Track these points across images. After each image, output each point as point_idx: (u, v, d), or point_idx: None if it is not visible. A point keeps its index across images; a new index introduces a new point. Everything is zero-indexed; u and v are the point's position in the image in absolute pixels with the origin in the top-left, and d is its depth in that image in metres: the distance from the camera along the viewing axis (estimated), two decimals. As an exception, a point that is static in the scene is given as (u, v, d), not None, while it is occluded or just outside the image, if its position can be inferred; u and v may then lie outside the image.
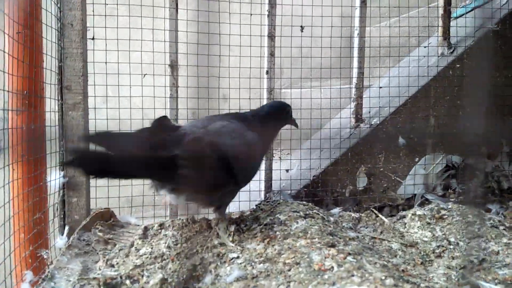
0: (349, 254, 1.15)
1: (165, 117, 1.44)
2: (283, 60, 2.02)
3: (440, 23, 1.97)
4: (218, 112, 1.92)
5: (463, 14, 2.20)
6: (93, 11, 1.74)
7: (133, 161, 1.20)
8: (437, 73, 1.86)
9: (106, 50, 1.76)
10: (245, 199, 1.89)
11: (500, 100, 1.88)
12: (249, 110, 1.55)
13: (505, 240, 1.32)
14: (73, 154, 1.23)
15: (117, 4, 1.77)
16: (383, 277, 0.98)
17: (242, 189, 1.73)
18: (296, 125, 1.63)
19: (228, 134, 1.36)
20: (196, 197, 1.43)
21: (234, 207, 1.87)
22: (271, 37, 1.97)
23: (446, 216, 1.50)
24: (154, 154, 1.24)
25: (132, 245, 1.45)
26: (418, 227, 1.50)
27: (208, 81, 1.97)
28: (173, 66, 1.92)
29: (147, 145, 1.27)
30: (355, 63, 1.96)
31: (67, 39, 1.61)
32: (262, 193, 1.94)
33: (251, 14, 1.92)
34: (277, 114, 1.53)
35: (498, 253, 1.26)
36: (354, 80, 1.95)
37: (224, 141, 1.33)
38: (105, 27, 1.77)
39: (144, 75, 1.77)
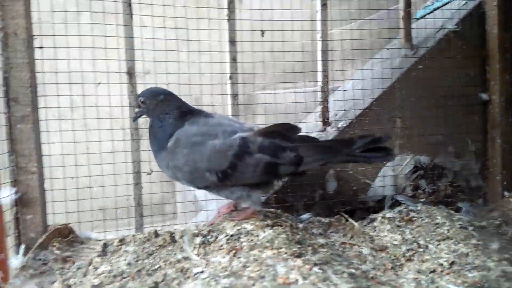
0: (315, 264, 1.10)
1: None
2: (248, 65, 1.97)
3: (402, 25, 1.97)
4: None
5: (424, 16, 2.21)
6: (39, 18, 1.64)
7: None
8: (401, 75, 1.85)
9: (56, 59, 1.66)
10: (214, 208, 1.82)
11: (464, 100, 1.89)
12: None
13: (474, 241, 1.30)
14: None
15: (65, 11, 1.68)
16: (350, 288, 0.93)
17: (211, 198, 1.67)
18: None
19: None
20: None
21: (202, 217, 1.80)
22: (232, 42, 1.91)
23: (415, 218, 1.47)
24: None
25: (90, 263, 1.36)
26: (388, 230, 1.46)
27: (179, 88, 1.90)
28: (131, 73, 1.83)
29: None
30: (319, 67, 1.93)
31: (11, 49, 1.51)
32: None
33: (209, 19, 1.86)
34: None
35: (467, 255, 1.23)
36: (319, 84, 1.92)
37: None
38: (54, 35, 1.66)
39: (99, 83, 1.67)
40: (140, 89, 1.82)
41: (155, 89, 1.45)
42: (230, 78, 1.93)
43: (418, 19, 2.24)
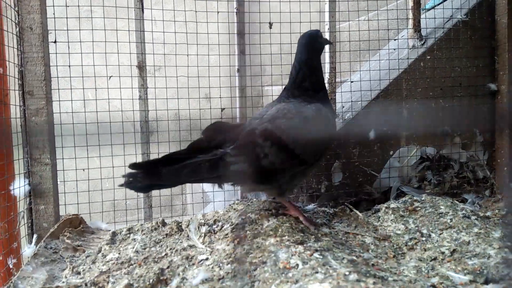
0: (316, 250, 1.13)
1: (217, 122, 1.43)
2: (256, 57, 1.99)
3: (411, 16, 1.96)
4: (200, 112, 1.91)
5: (434, 6, 2.20)
6: (53, 13, 1.69)
7: (183, 171, 1.22)
8: (408, 66, 1.84)
9: (69, 53, 1.71)
10: (220, 199, 1.86)
11: (472, 90, 1.87)
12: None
13: (476, 229, 1.31)
14: (126, 178, 1.23)
15: (78, 6, 1.73)
16: (347, 273, 0.96)
17: (218, 189, 1.70)
18: (330, 42, 1.71)
19: (283, 116, 1.33)
20: (256, 187, 1.45)
21: (209, 208, 1.83)
22: (241, 34, 1.94)
23: (419, 208, 1.48)
24: (202, 159, 1.25)
25: (99, 251, 1.41)
26: (391, 220, 1.48)
27: (188, 80, 1.94)
28: (141, 67, 1.88)
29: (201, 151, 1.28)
30: (327, 59, 1.94)
31: (27, 43, 1.57)
32: (238, 193, 1.91)
33: (218, 12, 1.89)
34: (314, 47, 1.43)
35: (468, 243, 1.24)
36: (327, 76, 1.93)
37: (278, 125, 1.30)
38: (67, 30, 1.71)
39: (110, 77, 1.72)
40: (150, 82, 1.87)
41: None
42: (238, 70, 1.96)
43: (428, 9, 2.23)
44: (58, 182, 1.63)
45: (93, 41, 1.78)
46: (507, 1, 1.84)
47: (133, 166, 1.23)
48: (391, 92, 1.85)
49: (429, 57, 1.87)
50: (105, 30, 1.79)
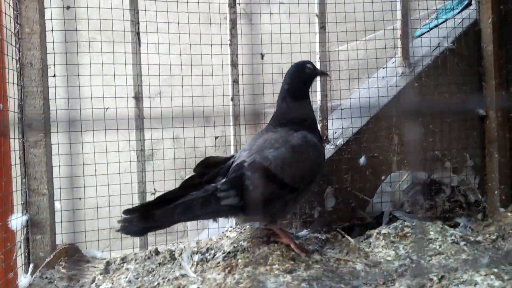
0: (304, 280, 1.15)
1: (208, 158, 1.47)
2: (249, 86, 2.05)
3: (399, 44, 2.02)
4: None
5: (422, 34, 2.26)
6: (53, 49, 1.76)
7: (176, 210, 1.24)
8: (397, 93, 1.89)
9: (68, 86, 1.78)
10: (214, 226, 1.88)
11: (461, 116, 1.91)
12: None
13: (464, 256, 1.32)
14: (122, 223, 1.26)
15: (77, 42, 1.80)
16: (331, 302, 0.97)
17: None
18: (326, 74, 1.74)
19: (270, 146, 1.37)
20: (249, 218, 1.47)
21: (204, 234, 1.85)
22: (234, 65, 2.00)
23: (410, 234, 1.50)
24: (194, 196, 1.28)
25: (93, 281, 1.43)
26: (382, 246, 1.49)
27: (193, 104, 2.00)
28: (138, 98, 1.93)
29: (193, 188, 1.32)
30: (318, 87, 2.00)
31: (26, 78, 1.63)
32: (232, 220, 1.93)
33: (211, 45, 1.96)
34: (300, 77, 1.47)
35: (456, 269, 1.25)
36: (318, 103, 1.98)
37: (266, 156, 1.34)
38: (66, 64, 1.78)
39: (107, 108, 1.78)
40: (146, 112, 1.93)
41: None
42: (232, 99, 2.01)
43: (417, 37, 2.29)
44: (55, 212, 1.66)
45: (90, 75, 1.85)
46: (491, 30, 1.90)
47: (127, 211, 1.26)
48: (381, 118, 1.89)
49: (417, 84, 1.92)
50: (102, 64, 1.86)
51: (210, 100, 1.99)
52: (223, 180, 1.33)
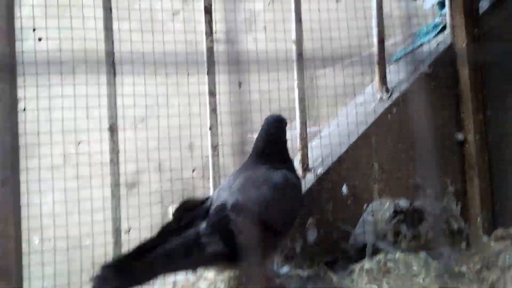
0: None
1: (186, 200, 1.39)
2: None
3: (376, 69, 2.02)
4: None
5: (400, 58, 2.27)
6: (24, 81, 1.70)
7: (156, 262, 1.13)
8: (375, 119, 1.88)
9: (37, 120, 1.72)
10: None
11: (440, 141, 1.90)
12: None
13: (447, 291, 1.28)
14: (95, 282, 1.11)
15: (49, 73, 1.75)
16: None
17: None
18: None
19: (252, 185, 1.32)
20: (234, 265, 1.33)
21: (180, 276, 1.78)
22: (212, 94, 1.97)
23: (393, 269, 1.46)
24: (174, 243, 1.17)
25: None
26: (365, 282, 1.45)
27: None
28: (113, 129, 1.87)
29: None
30: (297, 114, 1.97)
31: (-7, 114, 1.57)
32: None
33: (188, 74, 1.93)
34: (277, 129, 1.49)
35: (440, 307, 1.22)
36: (298, 131, 1.96)
37: (249, 196, 1.29)
38: (37, 97, 1.73)
39: (79, 142, 1.72)
40: (121, 144, 1.87)
41: None
42: (210, 128, 1.97)
43: (395, 61, 2.30)
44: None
45: (62, 107, 1.80)
46: (466, 53, 1.91)
47: (103, 269, 1.13)
48: (361, 145, 1.87)
49: (395, 109, 1.91)
50: (74, 96, 1.80)
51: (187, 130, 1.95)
52: (204, 224, 1.25)
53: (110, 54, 1.85)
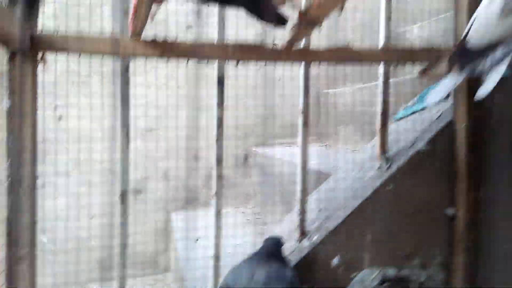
0: None
1: None
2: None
3: (378, 138, 2.09)
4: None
5: (403, 117, 2.33)
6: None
7: None
8: (373, 191, 1.97)
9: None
10: None
11: (431, 214, 2.01)
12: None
13: None
14: None
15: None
16: None
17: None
18: None
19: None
20: None
21: None
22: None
23: None
24: None
25: None
26: None
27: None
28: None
29: None
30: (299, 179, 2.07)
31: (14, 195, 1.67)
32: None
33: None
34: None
35: None
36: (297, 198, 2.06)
37: None
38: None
39: (92, 217, 1.84)
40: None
41: None
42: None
43: (396, 120, 2.36)
44: None
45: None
46: (465, 133, 1.97)
47: None
48: (356, 216, 1.98)
49: (392, 183, 2.00)
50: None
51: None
52: None
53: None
